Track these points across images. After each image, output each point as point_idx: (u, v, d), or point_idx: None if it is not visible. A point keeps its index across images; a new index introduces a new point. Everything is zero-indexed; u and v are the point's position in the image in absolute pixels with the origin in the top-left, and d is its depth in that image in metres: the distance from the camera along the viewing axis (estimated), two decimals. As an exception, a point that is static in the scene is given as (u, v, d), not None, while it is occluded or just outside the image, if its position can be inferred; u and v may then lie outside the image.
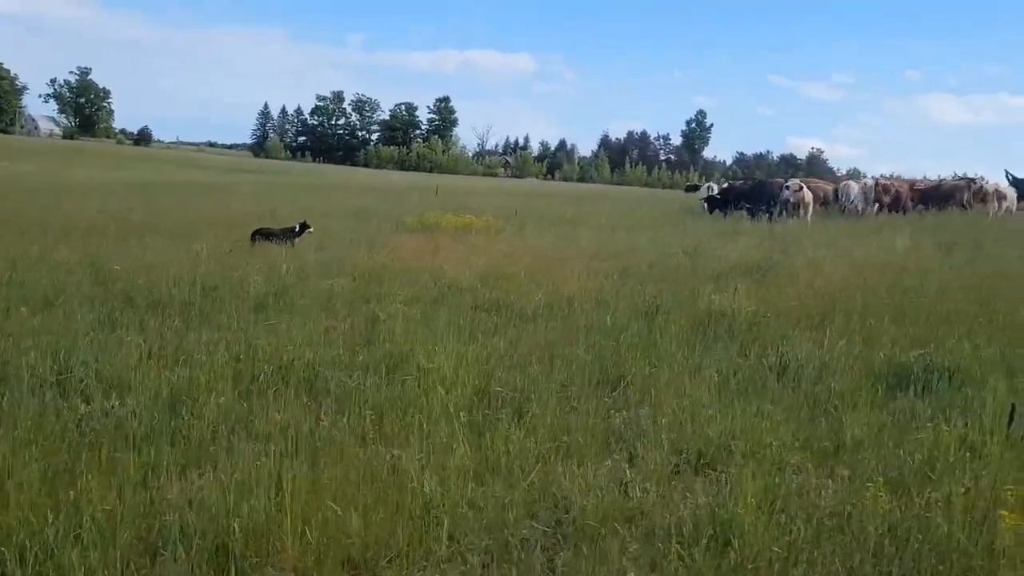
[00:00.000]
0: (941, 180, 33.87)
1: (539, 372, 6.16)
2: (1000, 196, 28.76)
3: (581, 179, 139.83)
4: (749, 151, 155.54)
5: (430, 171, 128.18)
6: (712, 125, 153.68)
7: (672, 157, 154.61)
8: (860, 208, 26.76)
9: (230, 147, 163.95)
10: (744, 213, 22.82)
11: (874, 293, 9.80)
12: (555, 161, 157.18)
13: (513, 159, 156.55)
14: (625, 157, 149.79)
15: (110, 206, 19.76)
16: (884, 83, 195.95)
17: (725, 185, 28.81)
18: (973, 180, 28.36)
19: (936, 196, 27.63)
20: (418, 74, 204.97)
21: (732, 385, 6.05)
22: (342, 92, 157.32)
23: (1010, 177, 31.29)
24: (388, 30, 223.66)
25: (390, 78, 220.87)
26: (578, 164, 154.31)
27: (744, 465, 4.44)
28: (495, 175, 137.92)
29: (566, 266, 11.88)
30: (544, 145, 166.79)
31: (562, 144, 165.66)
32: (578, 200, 33.59)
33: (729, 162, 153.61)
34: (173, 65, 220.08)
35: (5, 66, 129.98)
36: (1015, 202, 29.10)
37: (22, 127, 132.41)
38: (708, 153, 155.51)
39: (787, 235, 16.80)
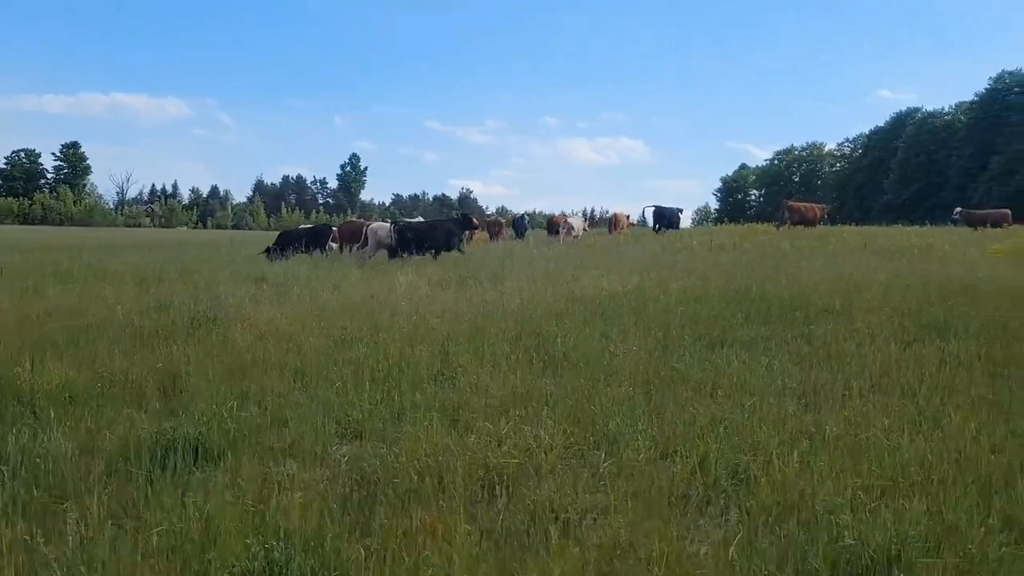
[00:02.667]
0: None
1: None
2: (568, 227, 32.28)
3: (236, 226, 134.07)
4: (414, 193, 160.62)
5: (60, 224, 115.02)
6: (367, 168, 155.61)
7: (330, 200, 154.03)
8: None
9: None
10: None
11: (286, 345, 8.92)
12: (208, 209, 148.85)
13: (160, 208, 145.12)
14: (281, 202, 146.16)
15: None
16: (529, 128, 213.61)
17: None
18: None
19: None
20: (53, 119, 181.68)
21: None
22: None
23: (653, 208, 37.03)
24: (17, 71, 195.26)
25: (20, 124, 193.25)
26: (232, 211, 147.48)
27: None
28: (138, 225, 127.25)
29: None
30: (195, 192, 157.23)
31: (214, 191, 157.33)
32: (158, 249, 30.56)
33: (388, 203, 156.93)
34: None
35: None
36: (581, 230, 33.56)
37: None
38: (365, 195, 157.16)
39: (303, 277, 15.89)
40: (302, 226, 32.51)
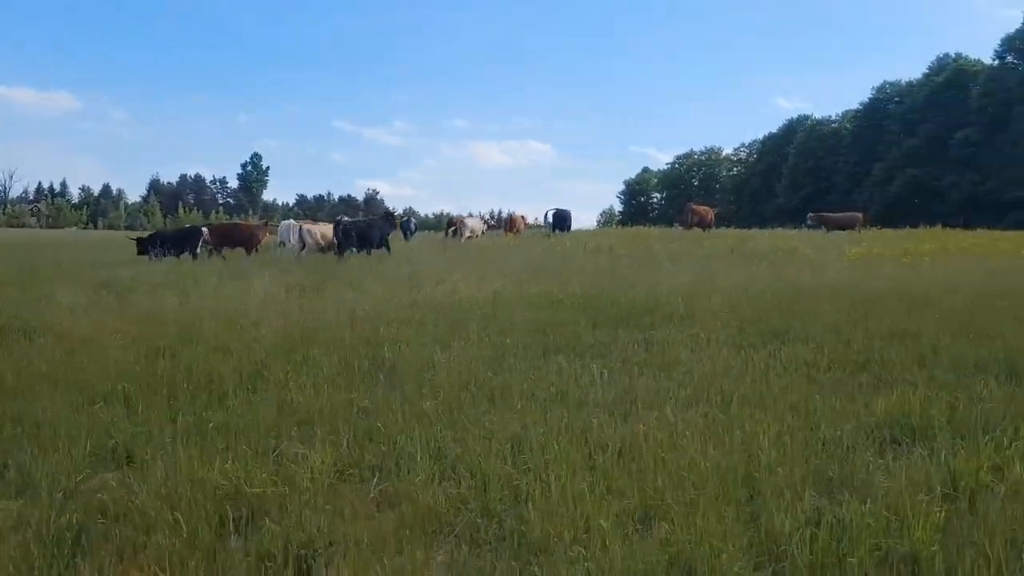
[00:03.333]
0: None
1: None
2: (463, 226, 32.45)
3: (130, 227, 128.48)
4: (319, 193, 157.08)
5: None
6: (269, 168, 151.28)
7: (231, 200, 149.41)
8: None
9: None
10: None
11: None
12: (100, 208, 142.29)
13: (46, 207, 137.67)
14: (179, 202, 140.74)
15: None
16: (438, 130, 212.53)
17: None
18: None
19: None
20: None
21: None
22: None
23: (554, 211, 37.58)
24: None
25: None
26: (125, 211, 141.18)
27: None
28: (23, 226, 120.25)
29: None
30: (86, 191, 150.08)
31: (107, 190, 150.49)
32: (21, 250, 28.72)
33: (292, 203, 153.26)
34: None
35: None
36: (479, 231, 34.42)
37: None
38: (268, 196, 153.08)
39: (156, 281, 15.02)
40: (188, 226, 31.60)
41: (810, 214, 40.00)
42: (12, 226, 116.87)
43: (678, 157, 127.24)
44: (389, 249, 23.48)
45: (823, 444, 5.56)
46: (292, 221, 29.51)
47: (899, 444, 5.71)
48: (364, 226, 24.10)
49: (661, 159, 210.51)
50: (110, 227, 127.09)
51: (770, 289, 12.93)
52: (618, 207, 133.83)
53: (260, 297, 12.82)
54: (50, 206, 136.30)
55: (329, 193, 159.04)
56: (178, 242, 22.29)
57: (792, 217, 73.58)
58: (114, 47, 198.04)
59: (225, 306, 11.60)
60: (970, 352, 8.26)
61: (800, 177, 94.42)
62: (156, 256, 21.54)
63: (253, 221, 38.95)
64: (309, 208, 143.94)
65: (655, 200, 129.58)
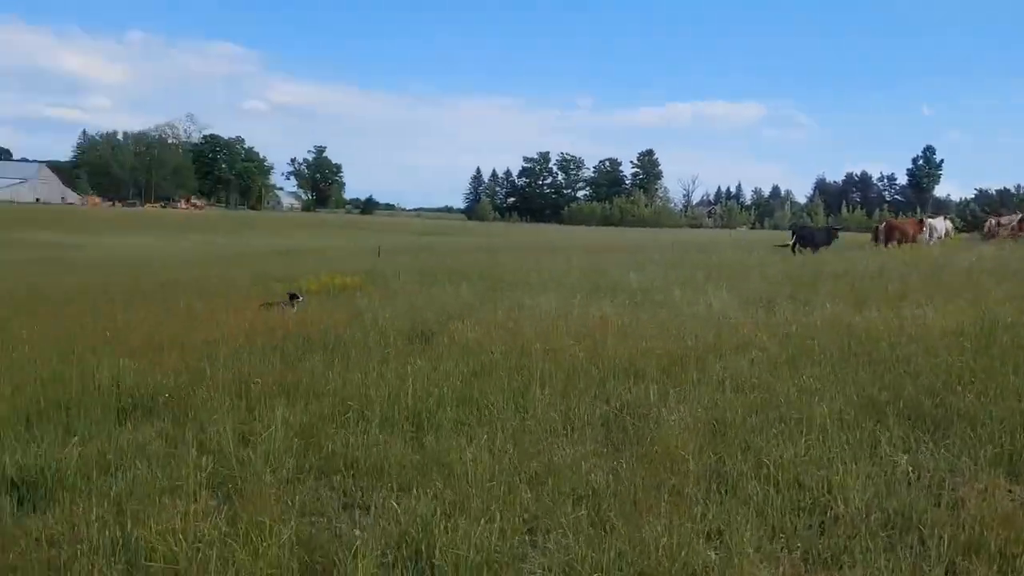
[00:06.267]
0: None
1: None
2: (931, 228, 28.29)
3: (792, 226, 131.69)
4: (1006, 186, 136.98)
5: (632, 224, 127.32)
6: (943, 161, 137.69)
7: (898, 198, 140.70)
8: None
9: (450, 211, 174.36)
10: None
11: None
12: (767, 209, 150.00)
13: (720, 209, 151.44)
14: (842, 200, 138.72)
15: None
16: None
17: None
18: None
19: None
20: (646, 131, 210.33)
21: None
22: (548, 152, 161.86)
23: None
24: (617, 90, 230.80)
25: (622, 135, 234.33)
26: (790, 211, 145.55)
27: None
28: (699, 226, 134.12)
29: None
30: (757, 193, 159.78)
31: (775, 191, 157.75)
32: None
33: (969, 199, 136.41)
34: (404, 138, 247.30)
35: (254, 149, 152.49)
36: (942, 232, 28.95)
37: (268, 203, 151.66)
38: (940, 191, 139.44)
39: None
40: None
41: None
42: (692, 226, 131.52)
43: None
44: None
45: None
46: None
47: None
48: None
49: None
50: (774, 227, 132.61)
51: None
52: None
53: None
54: (723, 208, 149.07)
55: (1018, 186, 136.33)
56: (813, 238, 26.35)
57: None
58: (803, 55, 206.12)
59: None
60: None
61: None
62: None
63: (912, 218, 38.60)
64: (989, 203, 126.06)
65: None
